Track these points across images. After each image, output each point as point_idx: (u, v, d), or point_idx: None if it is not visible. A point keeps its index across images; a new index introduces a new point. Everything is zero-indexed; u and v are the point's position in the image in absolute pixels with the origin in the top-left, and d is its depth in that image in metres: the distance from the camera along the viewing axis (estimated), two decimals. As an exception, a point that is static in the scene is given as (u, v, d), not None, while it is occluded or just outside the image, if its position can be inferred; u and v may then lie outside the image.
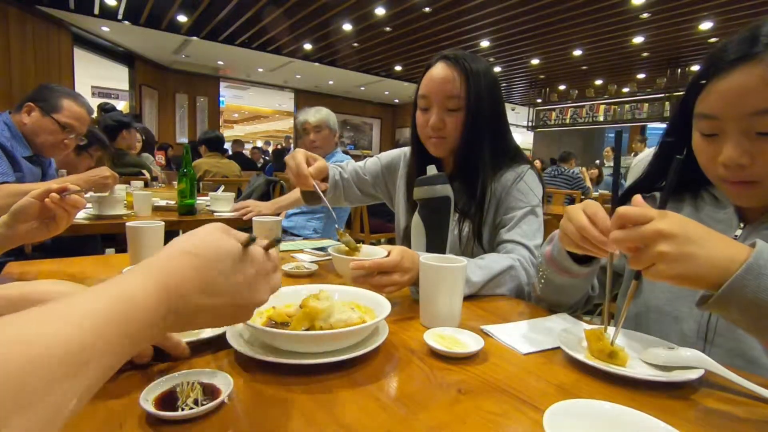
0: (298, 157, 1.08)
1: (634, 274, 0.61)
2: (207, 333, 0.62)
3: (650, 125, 9.82)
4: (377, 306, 0.70)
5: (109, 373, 0.32)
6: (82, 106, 1.77)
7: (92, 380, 0.29)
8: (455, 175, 1.15)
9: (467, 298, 0.86)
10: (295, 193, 2.19)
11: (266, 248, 0.48)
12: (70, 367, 0.27)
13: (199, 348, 0.61)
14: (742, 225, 0.73)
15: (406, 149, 1.35)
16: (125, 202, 1.95)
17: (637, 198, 0.58)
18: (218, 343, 0.62)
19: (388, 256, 0.81)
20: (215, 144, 3.82)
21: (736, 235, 0.72)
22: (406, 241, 1.20)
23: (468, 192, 1.11)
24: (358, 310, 0.68)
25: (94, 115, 5.94)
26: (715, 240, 0.53)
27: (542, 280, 0.84)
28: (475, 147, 1.10)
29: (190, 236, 0.43)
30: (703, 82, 0.68)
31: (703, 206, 0.80)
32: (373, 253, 0.88)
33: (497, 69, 8.46)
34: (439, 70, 1.08)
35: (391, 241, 3.37)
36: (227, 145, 9.74)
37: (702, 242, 0.52)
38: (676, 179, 0.59)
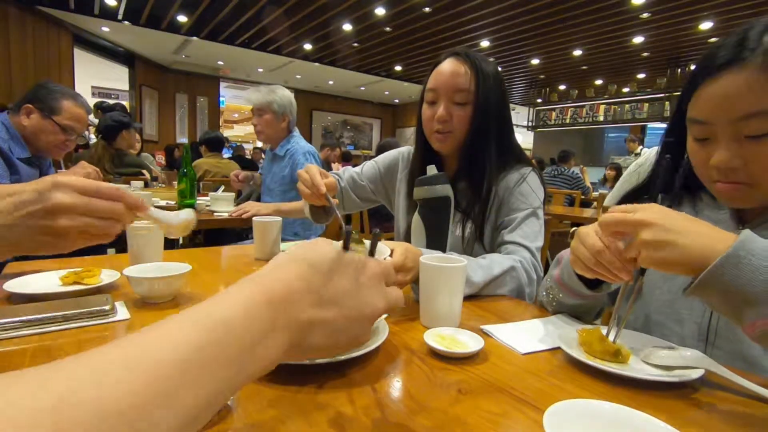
0: (312, 169, 1.06)
1: (638, 272, 0.62)
2: None
3: (650, 125, 9.82)
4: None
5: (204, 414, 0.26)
6: (81, 106, 1.77)
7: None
8: (460, 174, 1.15)
9: (467, 298, 0.86)
10: (299, 204, 2.15)
11: (370, 254, 0.45)
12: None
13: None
14: (741, 227, 0.73)
15: (404, 150, 1.35)
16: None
17: (607, 207, 0.62)
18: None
19: (391, 254, 0.81)
20: (215, 144, 3.82)
21: None
22: (407, 242, 1.20)
23: (473, 191, 1.11)
24: None
25: (92, 116, 5.94)
26: (698, 228, 0.55)
27: (554, 303, 0.84)
28: (482, 144, 1.10)
29: (296, 247, 0.39)
30: (694, 85, 0.68)
31: (702, 208, 0.80)
32: (376, 251, 0.88)
33: (497, 69, 8.44)
34: (448, 64, 1.09)
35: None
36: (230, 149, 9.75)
37: (683, 230, 0.54)
38: (668, 179, 0.61)
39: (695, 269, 0.53)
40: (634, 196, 0.89)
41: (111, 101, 7.01)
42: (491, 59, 1.13)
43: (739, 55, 0.62)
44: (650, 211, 0.57)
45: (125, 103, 9.41)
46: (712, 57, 0.65)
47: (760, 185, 0.65)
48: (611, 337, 0.63)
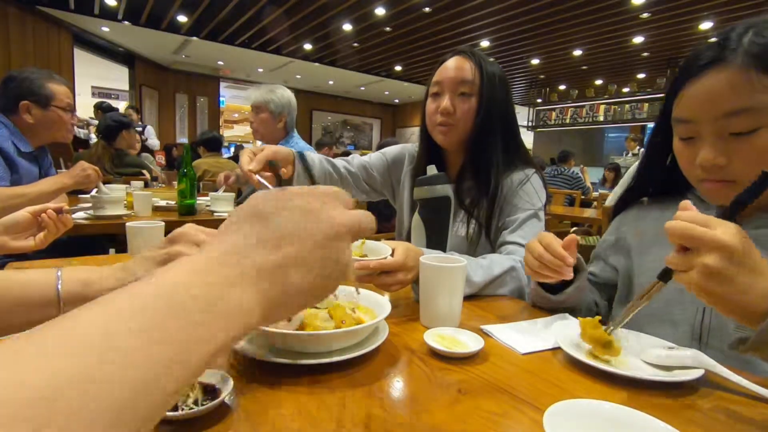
0: (242, 157, 1.00)
1: (659, 274, 0.57)
2: None
3: (650, 125, 9.81)
4: (377, 306, 0.70)
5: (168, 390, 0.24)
6: (61, 82, 1.78)
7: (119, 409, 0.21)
8: (464, 172, 1.14)
9: (467, 298, 0.86)
10: None
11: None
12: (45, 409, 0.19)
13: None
14: None
15: (409, 146, 1.34)
16: (125, 202, 1.95)
17: (686, 203, 0.54)
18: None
19: (392, 253, 0.81)
20: (213, 144, 3.82)
21: None
22: (409, 240, 1.20)
23: (478, 189, 1.11)
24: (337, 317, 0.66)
25: (92, 114, 5.91)
26: (759, 270, 0.50)
27: (539, 305, 0.88)
28: (487, 141, 1.10)
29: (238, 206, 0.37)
30: (678, 85, 0.70)
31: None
32: (377, 249, 0.88)
33: (497, 69, 8.44)
34: (453, 60, 1.11)
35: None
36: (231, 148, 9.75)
37: (748, 269, 0.49)
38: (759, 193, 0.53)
39: (739, 315, 0.51)
40: (629, 196, 0.91)
41: (111, 101, 7.02)
42: (491, 59, 1.13)
43: (720, 55, 0.64)
44: (729, 233, 0.49)
45: (125, 103, 9.41)
46: (696, 58, 0.67)
47: (744, 182, 0.66)
48: (609, 329, 0.63)
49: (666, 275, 0.56)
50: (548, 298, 0.83)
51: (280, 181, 1.01)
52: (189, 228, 0.52)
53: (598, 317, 0.65)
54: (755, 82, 0.61)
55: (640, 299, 0.60)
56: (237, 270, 0.30)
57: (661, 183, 0.86)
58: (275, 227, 0.33)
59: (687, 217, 0.52)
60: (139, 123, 6.40)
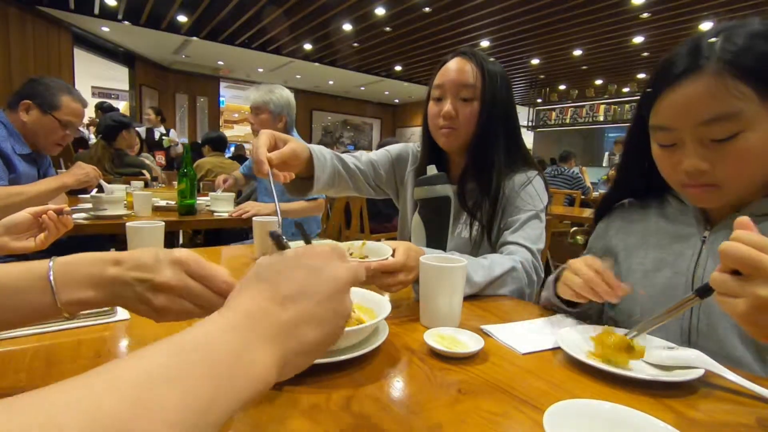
0: (261, 138, 0.85)
1: (698, 289, 0.54)
2: None
3: (650, 125, 9.80)
4: (377, 306, 0.70)
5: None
6: (78, 101, 1.76)
7: None
8: (467, 174, 1.14)
9: (468, 297, 0.86)
10: (298, 204, 2.13)
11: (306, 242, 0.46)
12: None
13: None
14: (708, 228, 0.76)
15: (412, 145, 1.34)
16: (125, 202, 1.95)
17: (746, 221, 0.48)
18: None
19: (393, 253, 0.81)
20: (219, 144, 3.83)
21: (704, 237, 0.75)
22: (410, 240, 1.19)
23: (480, 190, 1.11)
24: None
25: (93, 114, 5.89)
26: None
27: (550, 309, 0.88)
28: (489, 143, 1.10)
29: (245, 276, 0.40)
30: (654, 93, 0.70)
31: (670, 211, 0.83)
32: (378, 249, 0.88)
33: (497, 69, 8.43)
34: (455, 62, 1.10)
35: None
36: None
37: None
38: None
39: None
40: (612, 198, 0.93)
41: (111, 101, 7.01)
42: (491, 59, 1.13)
43: (695, 63, 0.64)
44: None
45: (125, 103, 9.41)
46: (670, 66, 0.68)
47: (727, 186, 0.67)
48: (631, 335, 0.63)
49: (706, 292, 0.52)
50: (565, 311, 0.82)
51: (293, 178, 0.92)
52: (176, 275, 0.48)
53: (606, 326, 0.66)
54: (731, 89, 0.62)
55: (670, 312, 0.58)
56: (252, 333, 0.32)
57: (640, 185, 0.87)
58: (288, 286, 0.36)
59: (747, 239, 0.46)
60: (163, 127, 6.37)
